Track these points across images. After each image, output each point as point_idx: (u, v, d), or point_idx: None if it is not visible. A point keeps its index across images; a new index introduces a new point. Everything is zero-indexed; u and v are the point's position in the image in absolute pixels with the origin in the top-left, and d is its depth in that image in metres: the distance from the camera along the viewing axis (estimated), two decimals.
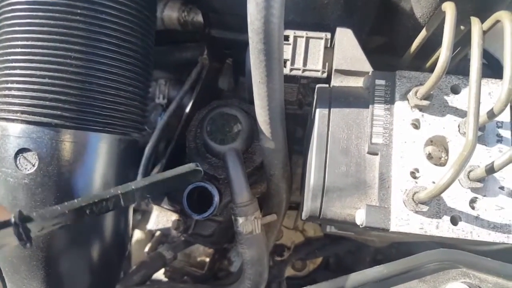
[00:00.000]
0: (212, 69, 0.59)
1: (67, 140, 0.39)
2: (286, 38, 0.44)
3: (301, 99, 0.50)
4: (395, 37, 0.47)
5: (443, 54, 0.33)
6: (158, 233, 0.69)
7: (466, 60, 0.39)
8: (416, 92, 0.38)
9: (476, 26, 0.34)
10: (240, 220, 0.45)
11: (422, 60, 0.45)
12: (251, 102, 0.40)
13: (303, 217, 0.42)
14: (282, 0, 0.31)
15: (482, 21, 0.36)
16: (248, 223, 0.45)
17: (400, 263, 0.35)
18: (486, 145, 0.37)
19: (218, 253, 0.72)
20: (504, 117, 0.39)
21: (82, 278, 0.44)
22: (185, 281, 0.65)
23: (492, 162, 0.33)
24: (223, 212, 0.52)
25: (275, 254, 0.58)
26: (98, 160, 0.40)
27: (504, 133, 0.38)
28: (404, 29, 0.44)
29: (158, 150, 0.59)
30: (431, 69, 0.43)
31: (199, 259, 0.71)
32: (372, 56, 0.50)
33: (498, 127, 0.38)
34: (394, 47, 0.49)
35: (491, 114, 0.34)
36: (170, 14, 0.59)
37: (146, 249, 0.67)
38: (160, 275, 0.69)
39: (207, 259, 0.69)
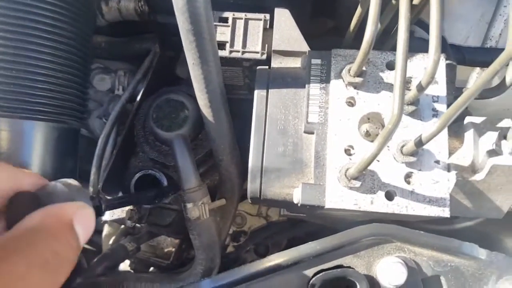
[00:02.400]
0: (165, 57, 0.59)
1: (1, 129, 0.38)
2: (225, 20, 0.43)
3: (249, 83, 0.50)
4: (339, 18, 0.47)
5: (368, 29, 0.33)
6: (123, 226, 0.68)
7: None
8: (349, 70, 0.38)
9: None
10: (188, 206, 0.45)
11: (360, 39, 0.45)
12: None
13: (248, 199, 0.42)
14: None
15: None
16: (196, 209, 0.44)
17: (334, 239, 0.35)
18: (421, 120, 0.37)
19: (186, 243, 0.71)
20: (440, 91, 0.39)
21: None
22: (150, 272, 0.65)
23: (420, 135, 0.33)
24: (179, 201, 0.52)
25: (233, 240, 0.58)
26: (34, 148, 0.39)
27: (440, 107, 0.38)
28: (344, 9, 0.44)
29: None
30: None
31: (166, 250, 0.71)
32: (325, 39, 0.50)
33: (434, 102, 0.38)
34: (342, 29, 0.48)
35: (420, 87, 0.34)
36: (127, 4, 0.59)
37: (111, 241, 0.66)
38: (126, 266, 0.69)
39: (174, 250, 0.69)
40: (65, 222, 0.26)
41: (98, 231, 0.75)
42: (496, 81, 0.42)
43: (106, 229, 0.77)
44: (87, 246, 0.79)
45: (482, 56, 0.49)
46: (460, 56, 0.50)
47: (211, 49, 0.35)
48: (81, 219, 0.26)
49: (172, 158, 0.47)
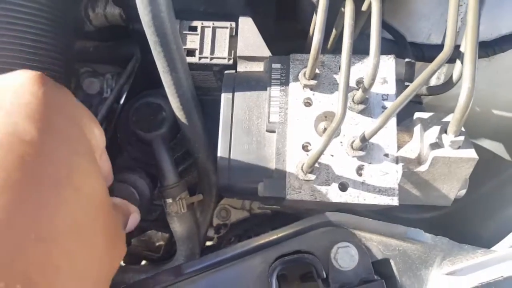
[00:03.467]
0: (147, 61, 0.62)
1: None
2: (195, 28, 0.47)
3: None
4: (301, 22, 0.50)
5: (315, 37, 0.36)
6: None
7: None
8: (304, 73, 0.41)
9: (348, 7, 0.37)
10: (168, 201, 0.49)
11: (325, 43, 0.48)
12: None
13: (221, 191, 0.46)
14: None
15: None
16: (174, 204, 0.48)
17: (292, 227, 0.38)
18: (371, 117, 0.41)
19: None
20: (389, 90, 0.42)
21: None
22: (139, 265, 0.69)
23: (364, 131, 0.36)
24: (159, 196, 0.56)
25: (216, 232, 0.62)
26: None
27: (389, 104, 0.41)
28: (304, 14, 0.47)
29: None
30: (332, 50, 0.46)
31: (157, 244, 0.75)
32: (290, 42, 0.53)
33: (384, 100, 0.41)
34: (306, 32, 0.52)
35: (364, 89, 0.37)
36: (112, 11, 0.62)
37: None
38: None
39: (164, 243, 0.73)
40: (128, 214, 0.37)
41: None
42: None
43: None
44: None
45: (440, 53, 0.51)
46: (419, 53, 0.53)
47: (178, 58, 0.39)
48: (132, 220, 0.37)
49: (152, 157, 0.51)
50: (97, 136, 0.33)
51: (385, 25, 0.54)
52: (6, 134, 0.23)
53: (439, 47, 0.53)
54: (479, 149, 0.57)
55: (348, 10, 0.37)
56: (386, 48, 0.54)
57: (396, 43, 0.52)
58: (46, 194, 0.23)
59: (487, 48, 0.53)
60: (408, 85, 0.36)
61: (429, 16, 0.55)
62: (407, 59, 0.49)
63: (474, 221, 0.60)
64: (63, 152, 0.26)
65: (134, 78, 0.59)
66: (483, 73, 0.60)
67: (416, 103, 0.49)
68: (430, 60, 0.53)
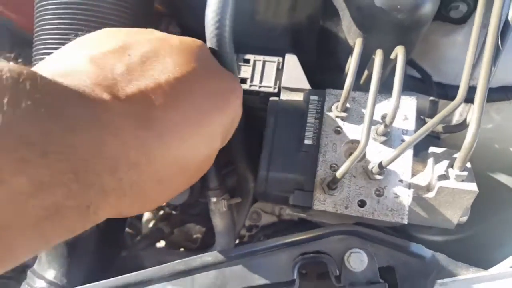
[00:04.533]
0: None
1: None
2: (248, 61, 0.57)
3: (264, 107, 0.62)
4: (339, 59, 0.59)
5: (348, 79, 0.45)
6: (161, 212, 0.84)
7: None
8: (337, 106, 0.49)
9: (378, 57, 0.45)
10: (212, 199, 0.59)
11: (358, 79, 0.56)
12: None
13: (257, 197, 0.55)
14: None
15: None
16: (217, 203, 0.58)
17: (314, 231, 0.46)
18: (391, 147, 0.48)
19: (211, 232, 0.86)
20: (409, 125, 0.49)
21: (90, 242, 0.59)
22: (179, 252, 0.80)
23: (382, 160, 0.44)
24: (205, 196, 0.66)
25: (247, 231, 0.71)
26: None
27: (408, 138, 0.48)
28: (341, 54, 0.56)
29: None
30: (364, 85, 0.54)
31: (194, 236, 0.85)
32: (328, 74, 0.61)
33: (403, 134, 0.49)
34: (342, 68, 0.60)
35: (385, 124, 0.45)
36: (173, 30, 0.74)
37: (151, 224, 0.82)
38: (162, 246, 0.84)
39: (201, 236, 0.84)
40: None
41: (138, 217, 0.91)
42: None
43: (146, 215, 0.93)
44: (129, 230, 0.96)
45: None
46: (444, 92, 0.60)
47: None
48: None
49: None
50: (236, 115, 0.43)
51: (415, 65, 0.61)
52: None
53: None
54: (494, 182, 0.63)
55: (378, 60, 0.45)
56: (413, 85, 0.62)
57: (423, 82, 0.59)
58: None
59: (508, 92, 0.58)
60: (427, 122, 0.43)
61: (457, 59, 0.62)
62: (431, 98, 0.56)
63: (485, 248, 0.65)
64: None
65: None
66: (505, 113, 0.65)
67: (434, 138, 0.55)
68: (453, 99, 0.60)
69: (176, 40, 0.37)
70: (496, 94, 0.62)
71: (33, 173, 0.19)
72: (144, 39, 0.34)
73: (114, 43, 0.33)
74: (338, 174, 0.44)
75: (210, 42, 0.42)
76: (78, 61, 0.30)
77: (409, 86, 0.60)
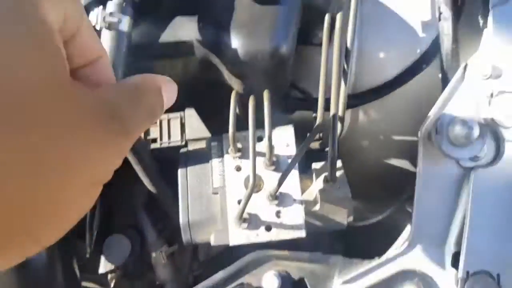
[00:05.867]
0: None
1: None
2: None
3: None
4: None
5: (230, 130, 0.53)
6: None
7: None
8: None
9: (251, 104, 0.54)
10: (151, 255, 0.65)
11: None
12: None
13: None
14: None
15: None
16: (157, 256, 0.64)
17: (232, 266, 0.53)
18: (281, 172, 0.57)
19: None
20: (291, 151, 0.58)
21: None
22: None
23: (269, 190, 0.53)
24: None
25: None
26: None
27: None
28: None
29: None
30: None
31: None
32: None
33: (289, 159, 0.57)
34: None
35: (269, 156, 0.54)
36: None
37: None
38: None
39: None
40: (158, 86, 0.29)
41: None
42: None
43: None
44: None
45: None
46: (327, 105, 0.69)
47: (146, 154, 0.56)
48: (167, 88, 0.29)
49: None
50: (65, 11, 0.23)
51: (296, 87, 0.71)
52: None
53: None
54: (392, 168, 0.73)
55: (251, 106, 0.54)
56: (299, 105, 0.70)
57: (305, 100, 0.69)
58: None
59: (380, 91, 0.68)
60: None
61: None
62: (314, 114, 0.65)
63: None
64: None
65: None
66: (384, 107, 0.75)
67: (320, 152, 0.64)
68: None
69: None
70: (373, 95, 0.71)
71: None
72: None
73: None
74: (240, 207, 0.52)
75: None
76: None
77: (296, 106, 0.69)
